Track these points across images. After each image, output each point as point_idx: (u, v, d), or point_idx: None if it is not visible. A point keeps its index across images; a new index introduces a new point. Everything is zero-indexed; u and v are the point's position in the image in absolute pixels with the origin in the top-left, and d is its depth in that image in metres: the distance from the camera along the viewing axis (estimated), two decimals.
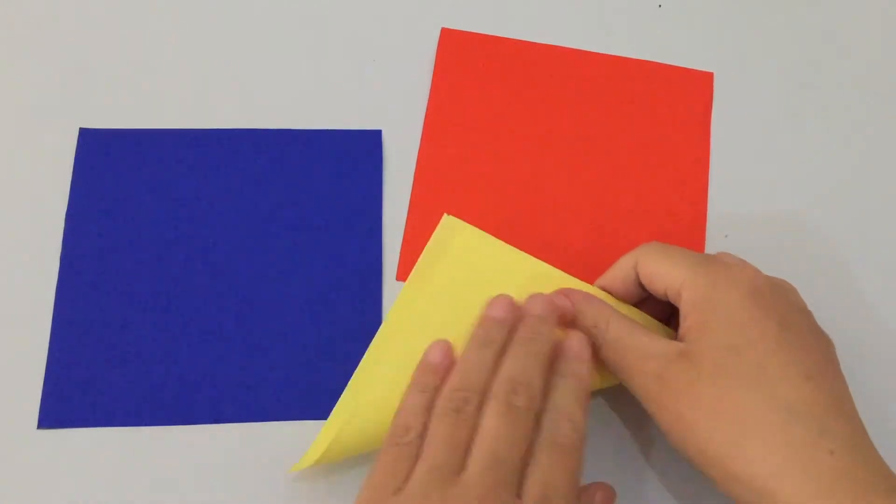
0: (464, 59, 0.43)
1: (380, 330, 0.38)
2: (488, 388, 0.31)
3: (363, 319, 0.38)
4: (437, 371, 0.32)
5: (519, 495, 0.28)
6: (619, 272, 0.36)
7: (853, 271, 0.41)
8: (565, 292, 0.35)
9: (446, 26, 0.44)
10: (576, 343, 0.33)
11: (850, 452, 0.29)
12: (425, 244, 0.39)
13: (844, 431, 0.29)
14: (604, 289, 0.37)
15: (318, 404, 0.37)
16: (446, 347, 0.33)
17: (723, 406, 0.30)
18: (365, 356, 0.37)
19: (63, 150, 0.41)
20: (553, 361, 0.32)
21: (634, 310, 0.36)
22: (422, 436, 0.30)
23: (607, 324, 0.34)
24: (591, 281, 0.39)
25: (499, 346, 0.32)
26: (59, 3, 0.44)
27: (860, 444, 0.29)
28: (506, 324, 0.33)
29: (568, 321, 0.34)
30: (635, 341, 0.33)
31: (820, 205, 0.42)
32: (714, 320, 0.31)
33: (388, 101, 0.43)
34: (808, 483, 0.28)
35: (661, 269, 0.34)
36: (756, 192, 0.42)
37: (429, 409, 0.31)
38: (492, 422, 0.29)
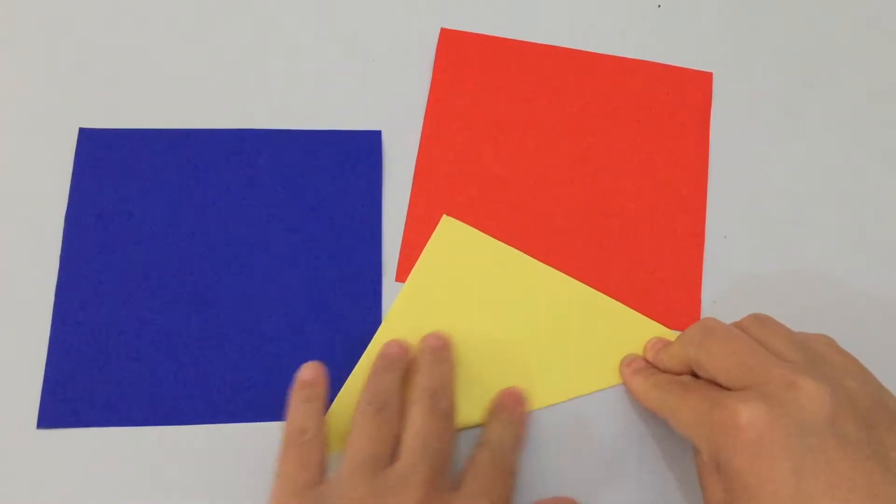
0: (463, 59, 0.43)
1: (378, 331, 0.38)
2: (404, 400, 0.33)
3: (362, 320, 0.38)
4: (315, 384, 0.34)
5: (454, 488, 0.31)
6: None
7: (854, 271, 0.41)
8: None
9: (446, 26, 0.44)
10: (514, 393, 0.36)
11: None
12: (424, 245, 0.39)
13: None
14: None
15: None
16: (318, 365, 0.35)
17: None
18: (363, 357, 0.37)
19: (63, 150, 0.41)
20: (492, 410, 0.36)
21: None
22: (318, 436, 0.32)
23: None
24: (587, 280, 0.39)
25: (401, 372, 0.35)
26: (59, 3, 0.44)
27: None
28: (403, 358, 0.35)
29: None
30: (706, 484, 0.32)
31: (819, 205, 0.42)
32: (733, 491, 0.29)
33: (388, 101, 0.43)
34: None
35: (674, 426, 0.33)
36: (755, 193, 0.42)
37: (320, 415, 0.33)
38: (419, 419, 0.32)
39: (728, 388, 0.31)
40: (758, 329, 0.33)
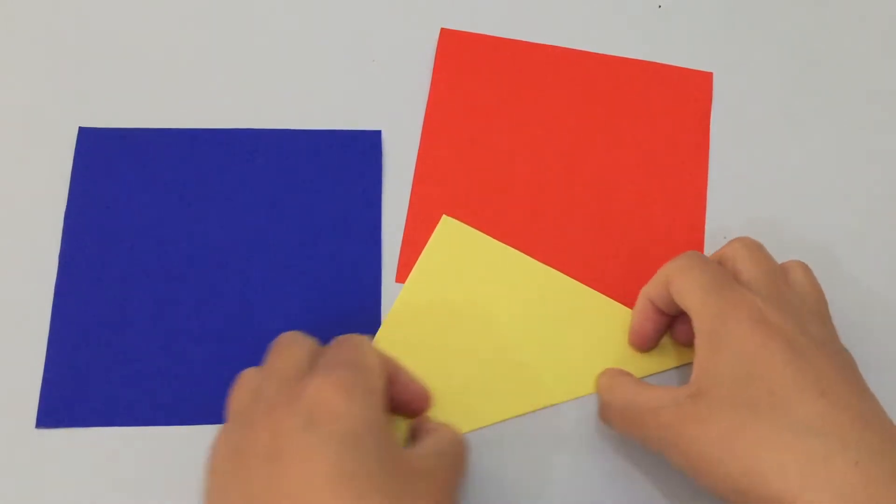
0: (463, 59, 0.43)
1: (378, 331, 0.38)
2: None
3: (362, 320, 0.38)
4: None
5: None
6: (658, 281, 0.36)
7: (853, 272, 0.41)
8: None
9: (446, 26, 0.44)
10: None
11: (877, 463, 0.27)
12: (424, 245, 0.39)
13: (870, 442, 0.28)
14: (649, 297, 0.36)
15: None
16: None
17: (737, 436, 0.29)
18: None
19: (62, 149, 0.41)
20: None
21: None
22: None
23: (611, 391, 0.35)
24: (588, 281, 0.39)
25: None
26: (58, 3, 0.44)
27: (889, 454, 0.28)
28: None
29: None
30: (643, 397, 0.33)
31: (820, 205, 0.42)
32: (722, 354, 0.31)
33: (388, 101, 0.43)
34: (832, 495, 0.27)
35: (682, 289, 0.34)
36: (755, 193, 0.42)
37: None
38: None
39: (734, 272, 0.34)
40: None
